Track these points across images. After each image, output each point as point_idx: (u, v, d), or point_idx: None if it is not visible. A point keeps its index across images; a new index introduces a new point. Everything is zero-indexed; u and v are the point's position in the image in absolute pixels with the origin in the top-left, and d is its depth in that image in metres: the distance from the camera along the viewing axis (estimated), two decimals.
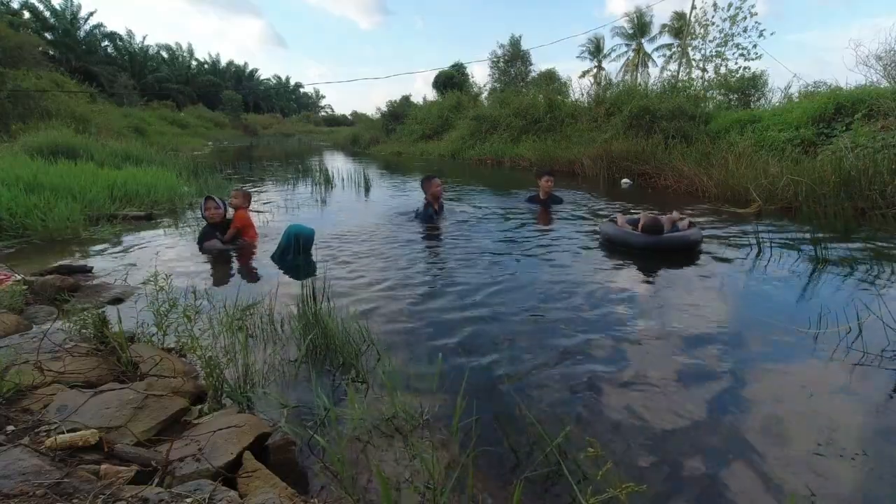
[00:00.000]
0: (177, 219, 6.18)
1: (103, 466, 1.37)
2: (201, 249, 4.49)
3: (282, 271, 3.94)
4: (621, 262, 4.13)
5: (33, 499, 1.17)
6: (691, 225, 4.52)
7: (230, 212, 4.72)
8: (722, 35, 14.66)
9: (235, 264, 4.27)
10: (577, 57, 35.69)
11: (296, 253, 4.03)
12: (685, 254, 4.22)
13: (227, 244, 4.56)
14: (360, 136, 27.60)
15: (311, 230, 4.18)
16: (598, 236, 4.82)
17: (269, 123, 52.42)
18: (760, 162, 7.37)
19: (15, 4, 31.04)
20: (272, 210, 6.80)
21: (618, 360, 2.40)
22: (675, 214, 4.82)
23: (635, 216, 4.81)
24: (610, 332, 2.73)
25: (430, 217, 5.63)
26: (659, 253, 4.23)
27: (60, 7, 34.45)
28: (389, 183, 10.63)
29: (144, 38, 43.55)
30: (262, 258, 4.31)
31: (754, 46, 13.97)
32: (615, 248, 4.45)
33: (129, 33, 43.72)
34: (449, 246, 4.71)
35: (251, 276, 3.93)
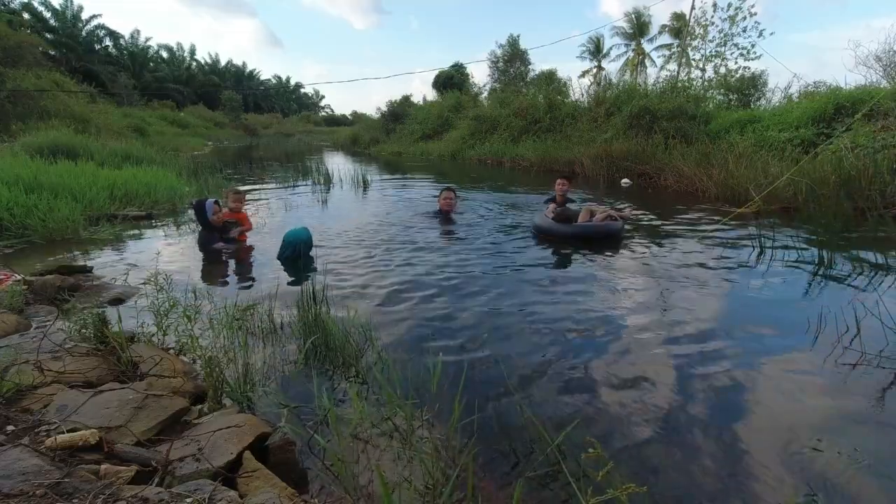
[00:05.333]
0: (177, 219, 6.17)
1: (103, 466, 1.37)
2: (207, 250, 4.50)
3: (282, 271, 3.94)
4: (620, 263, 4.14)
5: (33, 499, 1.17)
6: (612, 218, 4.90)
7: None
8: (721, 35, 14.67)
9: (236, 264, 4.27)
10: (577, 57, 35.57)
11: (295, 256, 4.06)
12: (606, 241, 4.69)
13: (229, 242, 4.59)
14: (360, 137, 27.57)
15: (308, 234, 4.19)
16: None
17: (269, 123, 52.33)
18: (760, 162, 7.37)
19: (15, 5, 30.98)
20: (272, 210, 6.80)
21: (618, 361, 2.40)
22: (610, 210, 5.19)
23: (561, 208, 5.28)
24: (610, 332, 2.74)
25: (439, 219, 6.01)
26: (576, 240, 4.73)
27: (61, 7, 34.40)
28: (389, 183, 10.62)
29: (136, 33, 43.01)
30: (263, 258, 4.31)
31: (753, 46, 13.99)
32: (543, 236, 4.97)
33: (134, 33, 43.55)
34: (450, 248, 4.71)
35: (251, 276, 3.93)
